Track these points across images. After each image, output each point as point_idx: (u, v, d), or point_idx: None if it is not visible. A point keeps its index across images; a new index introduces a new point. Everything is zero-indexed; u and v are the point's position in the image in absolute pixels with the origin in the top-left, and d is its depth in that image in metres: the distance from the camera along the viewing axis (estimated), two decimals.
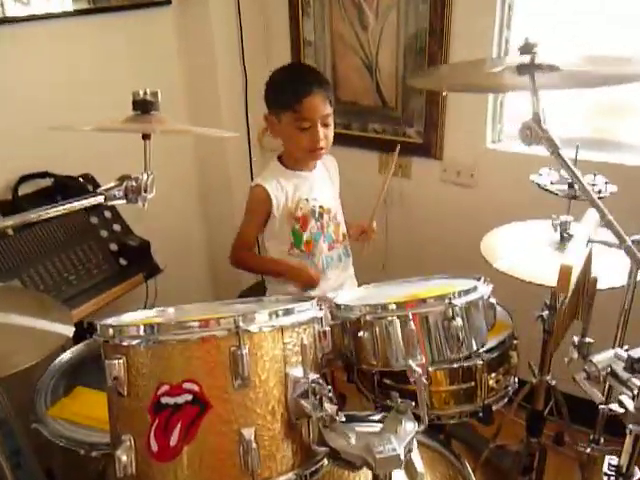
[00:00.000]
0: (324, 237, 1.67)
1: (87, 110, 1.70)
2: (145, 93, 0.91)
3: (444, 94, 1.86)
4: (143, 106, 0.90)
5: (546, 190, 1.43)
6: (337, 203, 1.74)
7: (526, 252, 1.50)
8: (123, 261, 1.74)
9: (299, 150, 1.58)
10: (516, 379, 1.49)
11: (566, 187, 1.43)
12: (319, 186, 1.66)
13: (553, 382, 1.68)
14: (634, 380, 0.98)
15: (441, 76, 1.34)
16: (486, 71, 1.17)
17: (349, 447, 0.91)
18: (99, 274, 1.66)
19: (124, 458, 0.88)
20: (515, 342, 1.44)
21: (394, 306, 1.06)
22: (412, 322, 1.04)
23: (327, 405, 0.93)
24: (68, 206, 0.84)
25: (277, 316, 0.93)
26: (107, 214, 1.79)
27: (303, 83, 1.51)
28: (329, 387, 0.91)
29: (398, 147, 1.69)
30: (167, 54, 2.11)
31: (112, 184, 0.89)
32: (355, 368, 1.43)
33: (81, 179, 1.77)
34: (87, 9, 1.89)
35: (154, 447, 0.88)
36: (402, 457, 0.89)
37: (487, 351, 1.38)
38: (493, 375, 1.41)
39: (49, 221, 1.63)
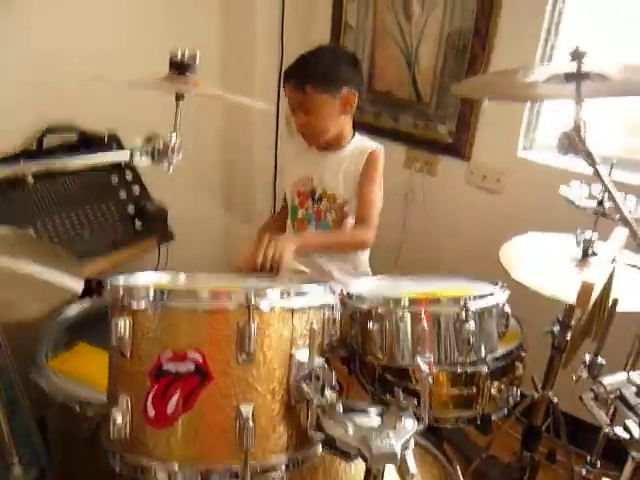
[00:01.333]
0: (317, 222, 1.64)
1: (120, 65, 1.66)
2: (183, 55, 0.89)
3: (485, 104, 1.82)
4: (180, 67, 0.89)
5: (574, 204, 1.40)
6: (349, 193, 1.64)
7: (546, 265, 1.47)
8: (138, 224, 1.74)
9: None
10: (518, 391, 1.46)
11: (595, 203, 1.40)
12: (330, 171, 1.62)
13: (555, 399, 1.66)
14: None
15: (482, 84, 1.30)
16: (529, 80, 1.13)
17: (346, 437, 0.90)
18: (113, 234, 1.66)
19: (119, 419, 0.88)
20: (523, 354, 1.42)
21: (407, 302, 1.04)
22: (424, 320, 1.03)
23: (328, 392, 0.92)
24: (93, 159, 0.82)
25: (289, 296, 0.92)
26: (128, 176, 1.78)
27: (286, 70, 1.54)
28: (333, 373, 0.90)
29: None
30: (208, 21, 2.10)
31: (139, 142, 0.87)
32: (357, 360, 1.42)
33: (106, 137, 1.75)
34: None
35: (150, 412, 0.87)
36: (398, 454, 0.88)
37: (494, 359, 1.36)
38: (496, 384, 1.38)
39: (70, 175, 1.63)
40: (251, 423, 0.86)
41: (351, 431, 0.91)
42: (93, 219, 1.63)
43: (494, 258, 1.49)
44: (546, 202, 1.77)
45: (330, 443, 0.92)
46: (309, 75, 1.51)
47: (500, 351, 1.38)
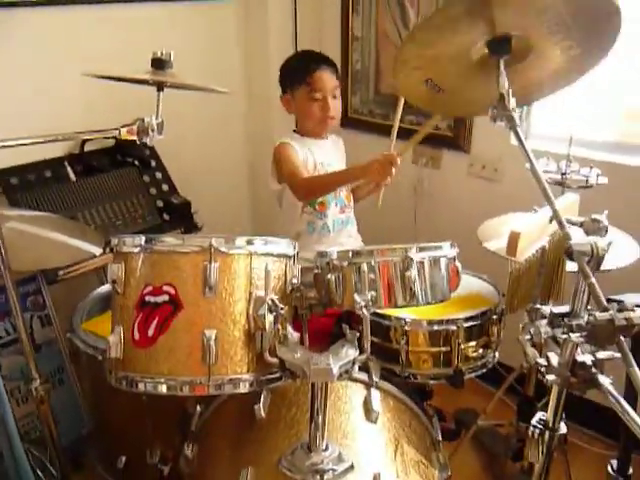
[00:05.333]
0: (336, 201, 1.85)
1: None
2: (162, 54, 1.13)
3: None
4: (159, 63, 1.12)
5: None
6: None
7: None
8: (166, 216, 2.00)
9: (312, 120, 1.80)
10: (496, 354, 1.57)
11: (559, 177, 1.52)
12: (332, 154, 1.87)
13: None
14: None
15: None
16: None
17: (293, 359, 1.07)
18: (143, 224, 1.93)
19: (114, 344, 1.09)
20: (495, 317, 1.53)
21: (359, 253, 1.20)
22: (375, 267, 1.18)
23: (289, 328, 1.11)
24: (87, 135, 1.06)
25: (252, 244, 1.11)
26: (158, 175, 2.05)
27: (313, 60, 1.76)
28: (281, 305, 1.08)
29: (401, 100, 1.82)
30: (228, 43, 2.39)
31: (128, 123, 1.11)
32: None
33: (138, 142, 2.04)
34: None
35: (136, 336, 1.08)
36: (335, 372, 1.03)
37: (465, 319, 1.49)
38: (472, 344, 1.52)
39: (107, 173, 1.91)
40: (213, 344, 1.05)
41: (299, 355, 1.09)
42: (125, 211, 1.90)
43: None
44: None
45: (282, 366, 1.10)
46: (334, 64, 1.80)
47: (472, 312, 1.51)
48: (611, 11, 1.07)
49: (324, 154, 1.84)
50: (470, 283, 1.70)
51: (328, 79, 1.75)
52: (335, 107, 1.78)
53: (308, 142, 1.83)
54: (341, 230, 1.88)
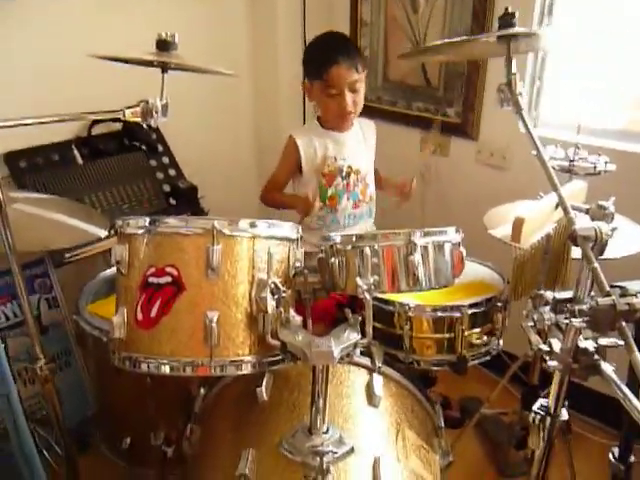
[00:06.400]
0: (348, 195, 1.82)
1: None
2: (166, 35, 1.12)
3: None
4: (163, 45, 1.12)
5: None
6: (369, 165, 1.88)
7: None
8: (172, 201, 2.00)
9: (329, 114, 1.75)
10: (500, 342, 1.57)
11: (567, 164, 1.50)
12: (351, 148, 1.81)
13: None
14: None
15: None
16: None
17: (295, 341, 1.07)
18: (149, 208, 1.93)
19: (118, 324, 1.10)
20: (500, 305, 1.52)
21: (362, 237, 1.20)
22: (378, 252, 1.17)
23: (292, 311, 1.11)
24: (92, 116, 1.06)
25: (255, 226, 1.11)
26: (165, 159, 2.06)
27: (329, 53, 1.66)
28: (283, 288, 1.08)
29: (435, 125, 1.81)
30: (235, 28, 2.38)
31: (132, 105, 1.10)
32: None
33: (146, 127, 2.04)
34: None
35: (139, 317, 1.09)
36: (335, 354, 1.03)
37: (470, 306, 1.48)
38: (476, 331, 1.51)
39: (114, 157, 1.92)
40: (215, 326, 1.05)
41: (300, 337, 1.09)
42: (132, 195, 1.91)
43: None
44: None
45: (284, 348, 1.10)
46: (357, 54, 1.70)
47: (476, 299, 1.51)
48: None
49: (340, 149, 1.79)
50: (475, 270, 1.70)
51: (345, 74, 1.65)
52: (355, 101, 1.70)
53: (326, 135, 1.79)
54: (354, 226, 1.86)
